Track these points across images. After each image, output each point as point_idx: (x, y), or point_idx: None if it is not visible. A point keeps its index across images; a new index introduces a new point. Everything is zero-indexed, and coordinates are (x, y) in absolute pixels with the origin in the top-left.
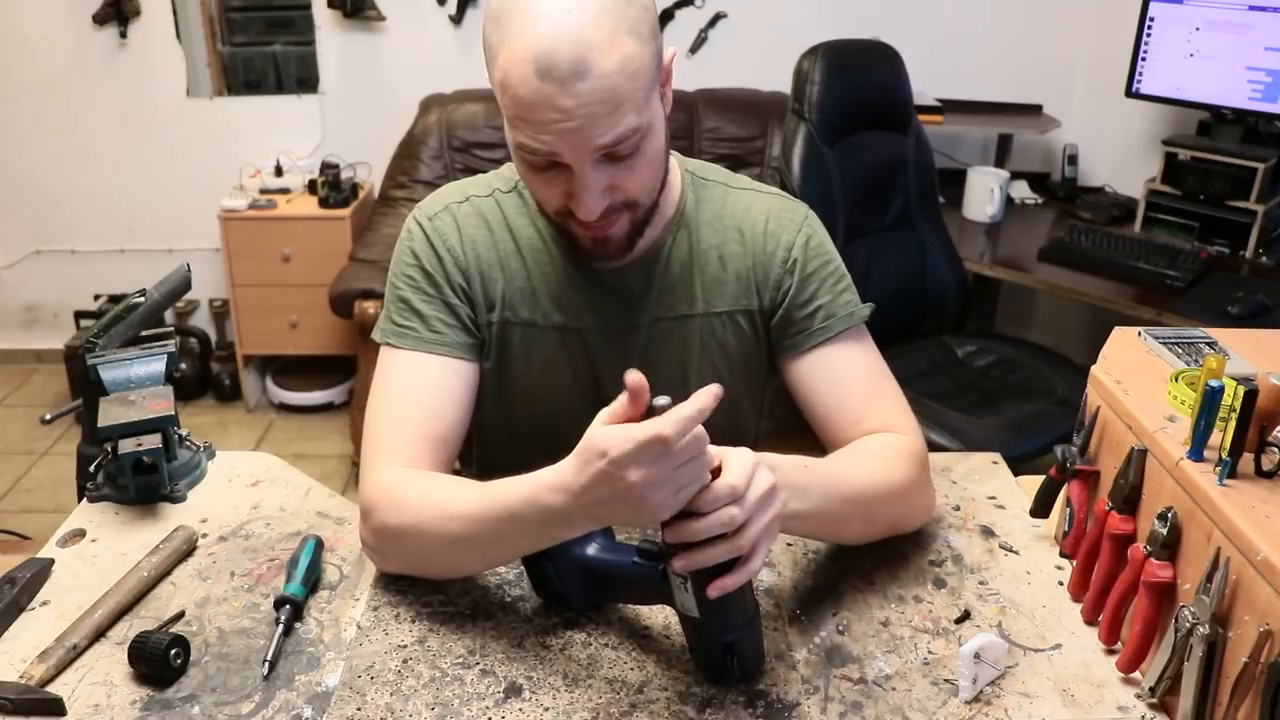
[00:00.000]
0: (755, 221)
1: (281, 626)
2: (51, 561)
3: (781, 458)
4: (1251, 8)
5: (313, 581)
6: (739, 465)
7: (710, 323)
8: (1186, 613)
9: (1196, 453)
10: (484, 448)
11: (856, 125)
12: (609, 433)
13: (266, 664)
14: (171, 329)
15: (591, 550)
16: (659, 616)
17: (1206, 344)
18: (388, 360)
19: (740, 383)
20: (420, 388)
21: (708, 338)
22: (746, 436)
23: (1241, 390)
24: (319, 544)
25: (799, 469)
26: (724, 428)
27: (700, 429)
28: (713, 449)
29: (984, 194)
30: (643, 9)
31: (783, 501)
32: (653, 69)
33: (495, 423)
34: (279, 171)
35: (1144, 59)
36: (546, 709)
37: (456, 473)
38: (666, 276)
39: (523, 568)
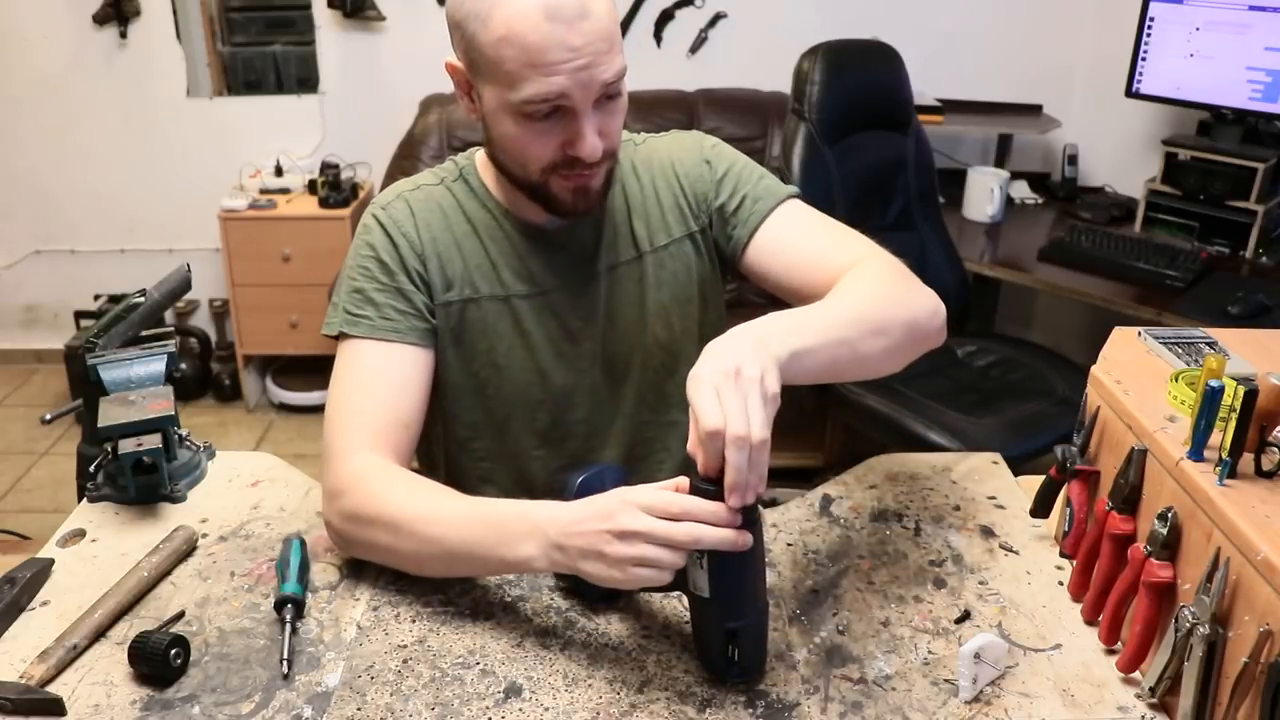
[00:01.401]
0: (664, 160)
1: (290, 626)
2: (51, 561)
3: (763, 318)
4: (1251, 8)
5: (306, 580)
6: (698, 401)
7: (659, 257)
8: (1186, 613)
9: (1196, 453)
10: (453, 433)
11: (856, 125)
12: (644, 488)
13: (285, 663)
14: (171, 329)
15: None
16: (659, 616)
17: (1206, 344)
18: (345, 351)
19: (696, 306)
20: (380, 375)
21: (659, 271)
22: None
23: (1241, 390)
24: (303, 543)
25: (786, 315)
26: (691, 346)
27: (674, 558)
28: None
29: (984, 194)
30: None
31: (767, 361)
32: None
33: (466, 405)
34: (279, 171)
35: (1144, 59)
36: (546, 709)
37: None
38: (613, 227)
39: None
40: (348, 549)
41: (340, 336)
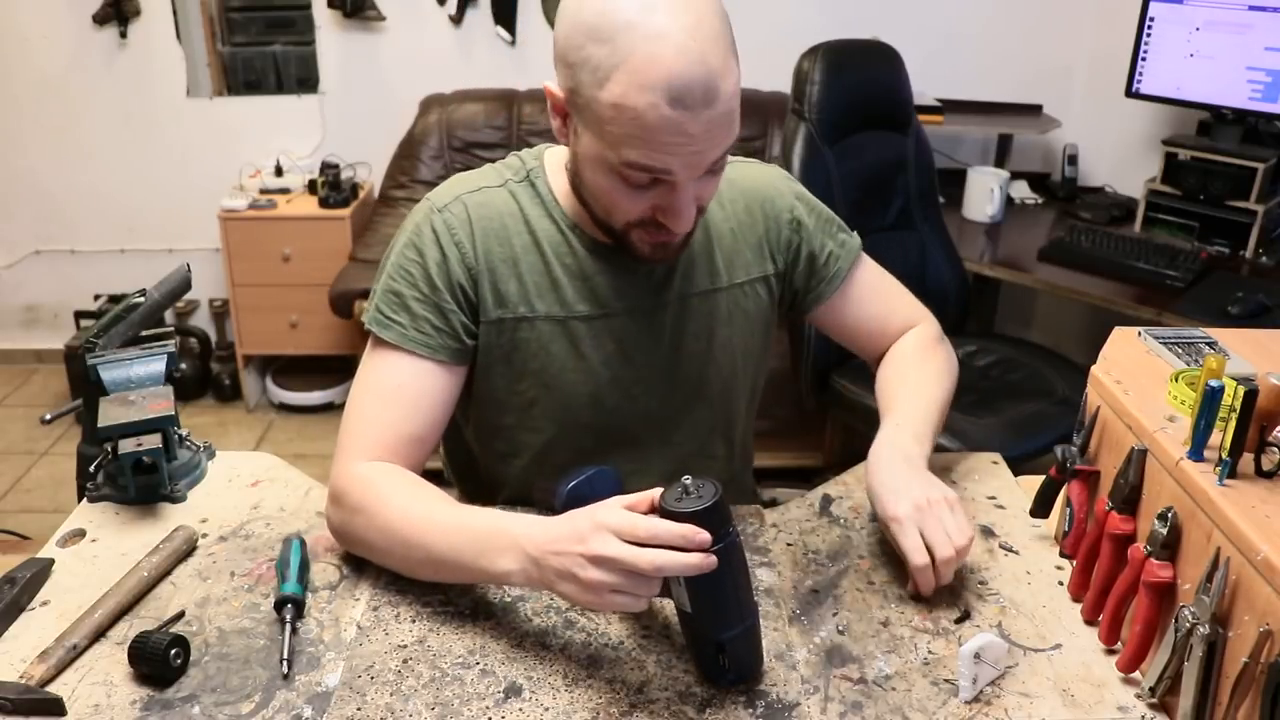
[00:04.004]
0: (750, 192)
1: (289, 626)
2: (51, 561)
3: (883, 433)
4: (1251, 8)
5: (306, 580)
6: (906, 542)
7: (734, 294)
8: (1186, 613)
9: (1196, 453)
10: (494, 448)
11: (856, 125)
12: (614, 510)
13: (284, 663)
14: (171, 329)
15: None
16: (659, 616)
17: (1206, 344)
18: (373, 352)
19: (757, 343)
20: (402, 386)
21: (733, 308)
22: (757, 391)
23: (1241, 390)
24: (303, 543)
25: (909, 424)
26: (744, 382)
27: (649, 589)
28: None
29: (984, 194)
30: (729, 26)
31: (933, 479)
32: None
33: (509, 422)
34: (279, 171)
35: (1144, 59)
36: (546, 709)
37: (438, 477)
38: (689, 256)
39: None
40: (347, 548)
41: (370, 334)
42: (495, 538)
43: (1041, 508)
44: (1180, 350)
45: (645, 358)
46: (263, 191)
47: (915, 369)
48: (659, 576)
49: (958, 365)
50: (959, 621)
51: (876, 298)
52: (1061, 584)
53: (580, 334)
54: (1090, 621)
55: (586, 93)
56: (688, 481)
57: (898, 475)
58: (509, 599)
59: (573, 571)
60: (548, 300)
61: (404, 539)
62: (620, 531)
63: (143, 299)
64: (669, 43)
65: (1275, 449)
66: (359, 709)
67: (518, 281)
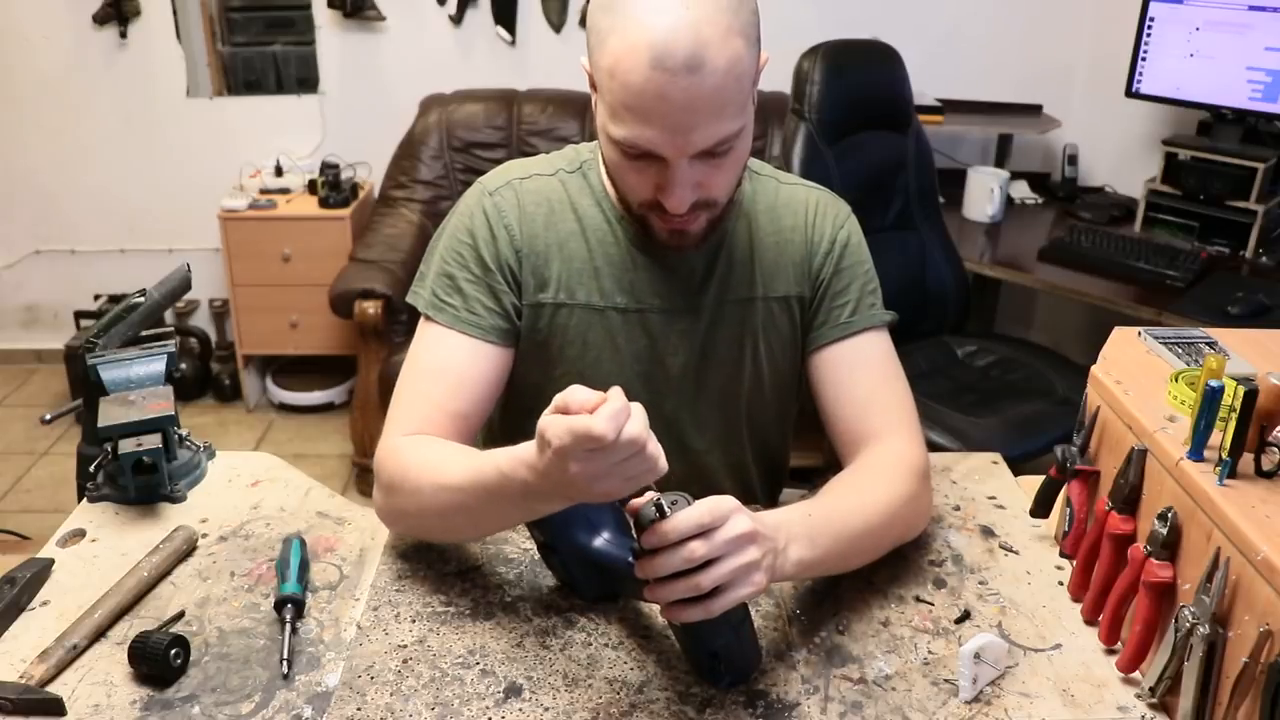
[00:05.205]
0: (804, 212)
1: (290, 626)
2: (51, 561)
3: (783, 512)
4: (1251, 8)
5: (306, 580)
6: (712, 504)
7: (770, 306)
8: (1186, 613)
9: (1196, 453)
10: (525, 430)
11: (856, 125)
12: (553, 423)
13: (285, 663)
14: (171, 329)
15: (597, 543)
16: (659, 616)
17: (1206, 344)
18: (424, 332)
19: (788, 363)
20: (450, 364)
21: (767, 320)
22: (789, 417)
23: (1241, 390)
24: (303, 543)
25: (803, 519)
26: (774, 397)
27: (637, 428)
28: (701, 502)
29: (984, 194)
30: (752, 13)
31: (773, 551)
32: (754, 73)
33: (543, 407)
34: (279, 171)
35: (1144, 59)
36: (546, 709)
37: None
38: (730, 261)
39: (521, 569)
40: (391, 526)
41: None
42: (507, 486)
43: (1041, 508)
44: (1180, 350)
45: (674, 359)
46: (263, 191)
47: (865, 486)
48: (616, 432)
49: (920, 524)
50: (959, 621)
51: (871, 380)
52: (1061, 584)
53: (616, 325)
54: (1090, 621)
55: (594, 59)
56: (661, 500)
57: (767, 525)
58: (509, 599)
59: (568, 474)
60: (588, 288)
61: (433, 505)
62: (556, 404)
63: (143, 299)
64: (660, 8)
65: (1275, 449)
66: (359, 709)
67: (560, 267)
